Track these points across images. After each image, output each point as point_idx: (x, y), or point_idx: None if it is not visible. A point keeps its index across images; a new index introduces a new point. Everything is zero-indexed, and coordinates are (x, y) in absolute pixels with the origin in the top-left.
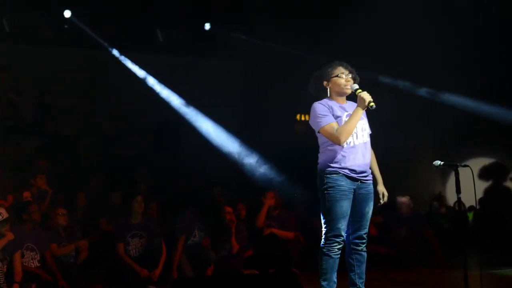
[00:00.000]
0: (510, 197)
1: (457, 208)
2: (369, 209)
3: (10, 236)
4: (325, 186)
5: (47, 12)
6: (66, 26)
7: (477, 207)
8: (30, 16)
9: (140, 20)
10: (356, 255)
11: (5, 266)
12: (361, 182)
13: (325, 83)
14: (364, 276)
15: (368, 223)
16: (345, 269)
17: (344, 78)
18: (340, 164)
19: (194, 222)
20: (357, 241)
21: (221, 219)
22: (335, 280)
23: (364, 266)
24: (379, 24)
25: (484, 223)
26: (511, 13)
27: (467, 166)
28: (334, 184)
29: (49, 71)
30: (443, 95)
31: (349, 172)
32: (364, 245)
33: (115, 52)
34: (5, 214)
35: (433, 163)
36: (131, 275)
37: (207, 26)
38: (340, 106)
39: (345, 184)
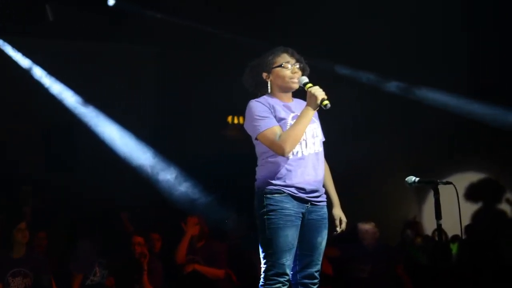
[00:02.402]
0: (505, 223)
1: (437, 238)
2: (322, 239)
3: None
4: (265, 210)
5: None
6: None
7: (463, 236)
8: None
9: None
10: None
11: None
12: (311, 204)
13: (265, 75)
14: None
15: (321, 258)
16: None
17: (289, 69)
18: (285, 181)
19: (94, 257)
20: (306, 281)
21: (129, 252)
22: None
23: None
24: (336, 0)
25: (471, 257)
26: None
27: (450, 183)
28: (277, 207)
29: None
30: (419, 91)
31: (296, 192)
32: (316, 286)
33: None
34: None
35: (406, 179)
36: None
37: (111, 1)
38: (284, 105)
39: (291, 207)
